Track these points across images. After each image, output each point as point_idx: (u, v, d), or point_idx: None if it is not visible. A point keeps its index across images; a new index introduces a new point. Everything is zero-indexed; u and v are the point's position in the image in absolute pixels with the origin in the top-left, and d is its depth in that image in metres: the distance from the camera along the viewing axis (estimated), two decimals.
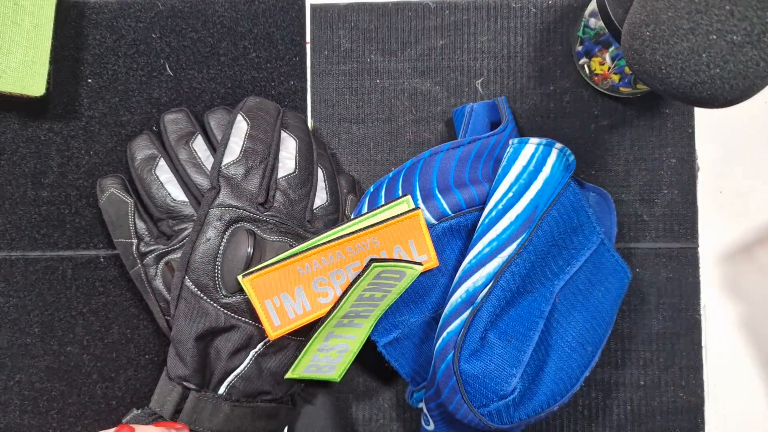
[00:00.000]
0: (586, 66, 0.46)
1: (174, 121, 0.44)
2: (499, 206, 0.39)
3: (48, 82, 0.44)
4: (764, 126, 0.47)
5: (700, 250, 0.47)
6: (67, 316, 0.46)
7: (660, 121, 0.47)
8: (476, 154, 0.42)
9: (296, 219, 0.41)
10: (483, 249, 0.38)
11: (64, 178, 0.46)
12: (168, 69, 0.47)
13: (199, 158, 0.42)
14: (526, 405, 0.36)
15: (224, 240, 0.39)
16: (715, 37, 0.29)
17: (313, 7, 0.47)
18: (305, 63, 0.47)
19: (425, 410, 0.40)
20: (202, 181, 0.42)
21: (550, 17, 0.47)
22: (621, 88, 0.45)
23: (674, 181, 0.47)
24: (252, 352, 0.39)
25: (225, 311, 0.39)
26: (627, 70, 0.43)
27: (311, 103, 0.47)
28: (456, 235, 0.41)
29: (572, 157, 0.41)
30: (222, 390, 0.39)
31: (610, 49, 0.42)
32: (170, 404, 0.38)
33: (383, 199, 0.41)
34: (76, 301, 0.46)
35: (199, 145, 0.43)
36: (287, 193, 0.41)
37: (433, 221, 0.40)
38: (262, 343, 0.39)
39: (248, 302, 0.39)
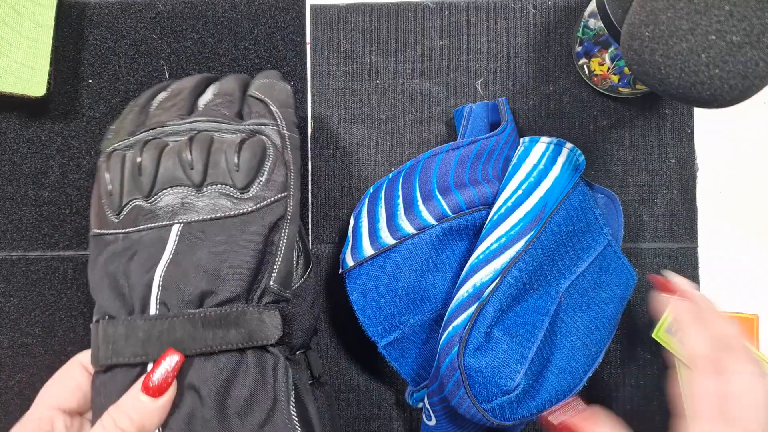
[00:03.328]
0: (585, 66, 0.46)
1: None
2: (509, 203, 0.39)
3: (48, 83, 0.44)
4: (764, 126, 0.47)
5: (699, 250, 0.47)
6: (67, 316, 0.46)
7: (659, 122, 0.47)
8: (476, 155, 0.42)
9: (171, 114, 0.37)
10: (491, 245, 0.38)
11: (64, 178, 0.46)
12: (166, 73, 0.47)
13: None
14: (529, 402, 0.36)
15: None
16: (714, 37, 0.29)
17: (314, 8, 0.48)
18: (305, 63, 0.48)
19: (427, 405, 0.40)
20: None
21: (550, 18, 0.47)
22: (620, 89, 0.45)
23: (674, 181, 0.47)
24: (163, 256, 0.33)
25: (119, 231, 0.34)
26: (626, 70, 0.43)
27: (311, 103, 0.47)
28: (456, 236, 0.41)
29: (582, 158, 0.41)
30: (153, 310, 0.32)
31: (610, 50, 0.42)
32: (91, 348, 0.33)
33: (383, 199, 0.41)
34: (76, 300, 0.46)
35: None
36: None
37: (434, 222, 0.40)
38: (172, 241, 0.33)
39: (141, 210, 0.34)
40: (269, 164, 0.35)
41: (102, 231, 0.35)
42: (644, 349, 0.46)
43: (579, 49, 0.45)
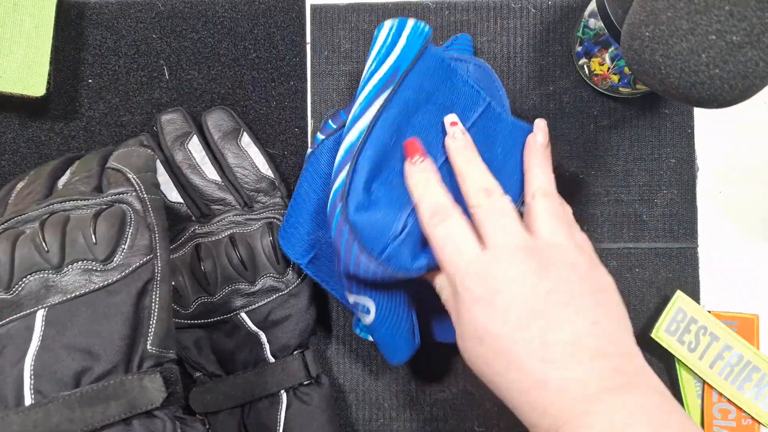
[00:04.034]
0: (585, 66, 0.46)
1: (170, 122, 0.44)
2: (366, 76, 0.40)
3: (48, 83, 0.44)
4: (764, 126, 0.47)
5: (699, 250, 0.47)
6: None
7: (659, 121, 0.47)
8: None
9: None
10: (355, 112, 0.39)
11: None
12: (166, 73, 0.47)
13: (194, 159, 0.43)
14: (429, 252, 0.36)
15: None
16: (714, 37, 0.29)
17: (313, 8, 0.48)
18: (305, 63, 0.48)
19: (358, 301, 0.40)
20: (198, 182, 0.43)
21: (550, 18, 0.47)
22: (620, 89, 0.45)
23: (674, 181, 0.47)
24: (31, 345, 0.32)
25: None
26: (626, 70, 0.43)
27: (311, 103, 0.47)
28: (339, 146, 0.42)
29: (427, 27, 0.41)
30: (29, 400, 0.31)
31: (610, 50, 0.42)
32: None
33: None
34: None
35: (194, 145, 0.44)
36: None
37: (322, 137, 0.41)
38: (38, 327, 0.32)
39: (5, 303, 0.33)
40: (131, 230, 0.35)
41: None
42: (644, 349, 0.46)
43: (579, 49, 0.45)
